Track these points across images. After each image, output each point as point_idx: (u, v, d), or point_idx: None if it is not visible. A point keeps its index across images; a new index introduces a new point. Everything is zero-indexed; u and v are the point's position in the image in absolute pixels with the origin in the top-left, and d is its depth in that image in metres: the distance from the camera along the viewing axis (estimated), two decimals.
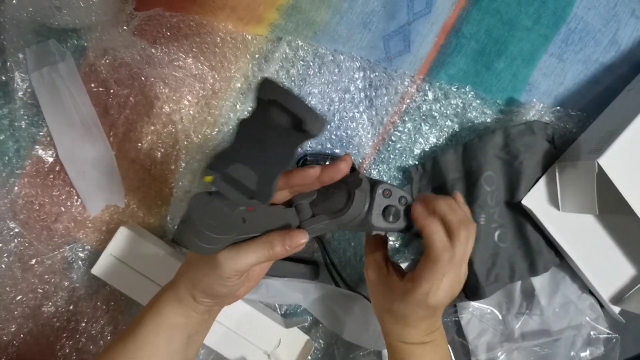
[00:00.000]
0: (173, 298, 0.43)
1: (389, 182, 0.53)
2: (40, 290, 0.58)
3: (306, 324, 0.62)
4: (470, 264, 0.55)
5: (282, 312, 0.62)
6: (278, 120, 0.33)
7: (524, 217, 0.55)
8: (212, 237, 0.37)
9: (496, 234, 0.55)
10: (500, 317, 0.58)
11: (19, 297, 0.57)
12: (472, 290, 0.56)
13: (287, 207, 0.43)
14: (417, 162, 0.60)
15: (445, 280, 0.42)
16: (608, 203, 0.48)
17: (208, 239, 0.38)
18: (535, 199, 0.53)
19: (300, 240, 0.41)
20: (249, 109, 0.59)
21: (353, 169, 0.58)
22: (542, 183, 0.54)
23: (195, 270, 0.42)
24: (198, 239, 0.38)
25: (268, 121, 0.33)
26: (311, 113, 0.32)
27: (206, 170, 0.35)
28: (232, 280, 0.40)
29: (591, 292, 0.58)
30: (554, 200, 0.54)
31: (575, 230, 0.54)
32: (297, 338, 0.61)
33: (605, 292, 0.55)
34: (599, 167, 0.47)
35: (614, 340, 0.57)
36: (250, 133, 0.34)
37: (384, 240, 0.50)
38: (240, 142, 0.34)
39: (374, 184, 0.44)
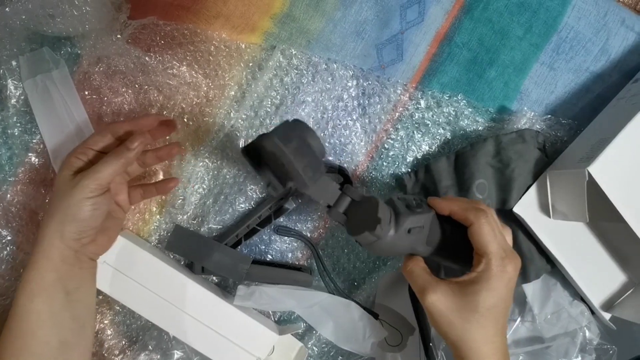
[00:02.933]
0: (40, 256, 0.45)
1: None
2: None
3: (300, 331, 0.62)
4: (462, 271, 0.55)
5: (276, 319, 0.62)
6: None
7: (515, 225, 0.55)
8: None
9: None
10: None
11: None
12: None
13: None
14: (409, 170, 0.60)
15: (503, 248, 0.43)
16: (598, 211, 0.48)
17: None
18: (527, 207, 0.54)
19: (135, 142, 0.47)
20: (243, 116, 0.59)
21: (347, 180, 0.58)
22: (533, 191, 0.54)
23: (59, 205, 0.45)
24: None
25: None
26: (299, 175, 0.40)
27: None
28: (97, 197, 0.45)
29: (582, 299, 0.58)
30: (545, 208, 0.54)
31: (566, 238, 0.54)
32: (290, 345, 0.61)
33: (596, 299, 0.56)
34: (590, 175, 0.47)
35: (611, 351, 0.57)
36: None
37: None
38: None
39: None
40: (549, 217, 0.53)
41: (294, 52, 0.58)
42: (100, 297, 0.59)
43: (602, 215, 0.49)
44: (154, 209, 0.59)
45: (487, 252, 0.42)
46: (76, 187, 0.45)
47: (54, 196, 0.46)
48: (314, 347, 0.62)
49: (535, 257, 0.55)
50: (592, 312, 0.57)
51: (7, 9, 0.52)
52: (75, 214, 0.45)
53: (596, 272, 0.55)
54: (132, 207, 0.58)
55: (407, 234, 0.44)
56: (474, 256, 0.44)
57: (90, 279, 0.50)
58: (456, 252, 0.46)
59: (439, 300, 0.42)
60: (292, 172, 0.42)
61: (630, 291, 0.56)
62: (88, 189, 0.45)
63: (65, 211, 0.45)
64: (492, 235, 0.42)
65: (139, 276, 0.55)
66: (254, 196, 0.60)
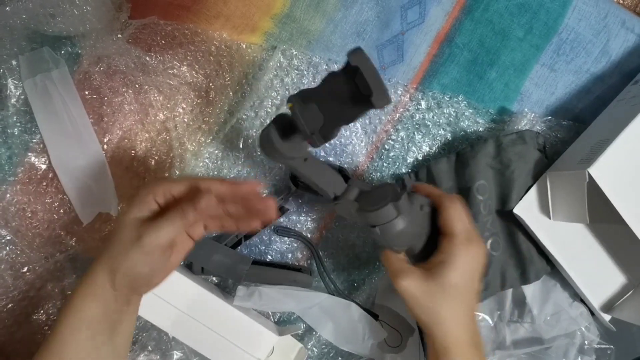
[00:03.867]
0: (89, 292, 0.43)
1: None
2: (32, 298, 0.58)
3: (300, 332, 0.62)
4: None
5: (276, 320, 0.62)
6: (356, 84, 0.37)
7: (515, 226, 0.55)
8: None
9: (488, 242, 0.55)
10: (492, 325, 0.58)
11: (10, 305, 0.57)
12: None
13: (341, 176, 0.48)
14: (410, 171, 0.61)
15: (469, 232, 0.45)
16: (599, 212, 0.49)
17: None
18: (527, 208, 0.54)
19: (206, 201, 0.42)
20: (243, 117, 0.59)
21: (347, 178, 0.58)
22: (533, 192, 0.54)
23: (115, 253, 0.42)
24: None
25: (348, 82, 0.38)
26: (381, 90, 0.36)
27: (290, 97, 0.41)
28: (155, 255, 0.42)
29: (582, 300, 0.58)
30: (545, 209, 0.54)
31: (566, 239, 0.54)
32: (290, 345, 0.61)
33: (596, 300, 0.56)
34: (590, 176, 0.47)
35: (609, 351, 0.58)
36: (332, 86, 0.39)
37: None
38: (322, 89, 0.40)
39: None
40: (549, 218, 0.54)
41: (294, 53, 0.59)
42: None
43: (602, 217, 0.49)
44: None
45: (454, 232, 0.45)
46: (135, 242, 0.41)
47: (114, 234, 0.43)
48: (314, 348, 0.62)
49: (535, 258, 0.56)
50: (592, 313, 0.58)
51: (7, 8, 0.52)
52: (129, 268, 0.42)
53: (596, 273, 0.56)
54: None
55: (420, 211, 0.47)
56: (441, 241, 0.46)
57: (134, 313, 0.47)
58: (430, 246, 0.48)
59: (410, 284, 0.44)
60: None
61: (630, 292, 0.56)
62: (147, 248, 0.41)
63: (120, 261, 0.42)
64: (460, 218, 0.45)
65: None
66: None
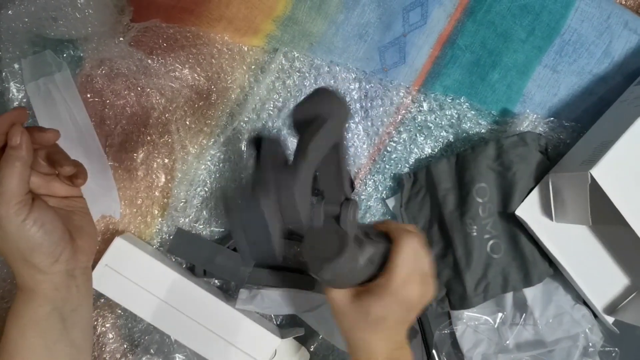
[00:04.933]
0: (26, 293, 0.42)
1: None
2: None
3: (302, 334, 0.63)
4: (460, 273, 0.56)
5: (278, 322, 0.63)
6: None
7: (518, 228, 0.56)
8: None
9: (489, 245, 0.56)
10: (494, 327, 0.59)
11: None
12: (459, 299, 0.57)
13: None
14: (409, 171, 0.62)
15: (415, 272, 0.43)
16: (601, 214, 0.49)
17: None
18: (529, 210, 0.55)
19: (15, 136, 0.39)
20: (245, 119, 0.60)
21: (350, 183, 0.59)
22: (535, 194, 0.55)
23: (3, 246, 0.40)
24: None
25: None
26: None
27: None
28: (27, 215, 0.39)
29: (585, 303, 0.59)
30: (547, 211, 0.55)
31: (569, 241, 0.55)
32: (292, 348, 0.62)
33: (599, 303, 0.57)
34: (592, 178, 0.48)
35: (613, 354, 0.58)
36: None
37: None
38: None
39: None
40: (552, 220, 0.54)
41: (296, 55, 0.60)
42: (102, 300, 0.60)
43: (605, 218, 0.50)
44: (156, 211, 0.60)
45: (396, 271, 0.42)
46: (0, 220, 0.39)
47: None
48: (317, 351, 0.63)
49: (538, 261, 0.56)
50: (595, 315, 0.58)
51: (9, 11, 0.53)
52: (27, 244, 0.40)
53: (599, 275, 0.56)
54: (135, 210, 0.59)
55: (368, 264, 0.43)
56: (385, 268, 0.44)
57: (87, 296, 0.46)
58: None
59: (338, 297, 0.44)
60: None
61: (633, 294, 0.56)
62: (12, 214, 0.39)
63: (17, 247, 0.40)
64: (408, 259, 0.43)
65: (140, 279, 0.56)
66: None
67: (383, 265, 0.44)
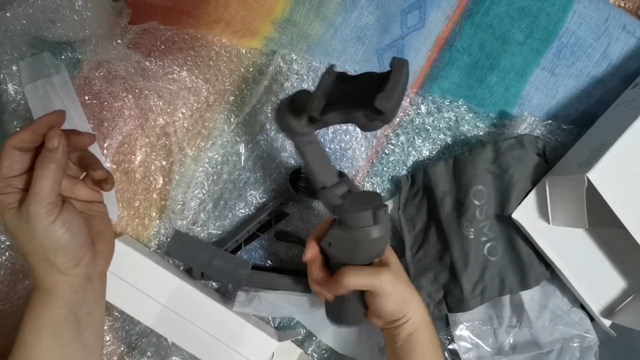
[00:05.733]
0: (45, 295, 0.44)
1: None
2: None
3: (300, 337, 0.64)
4: (457, 276, 0.57)
5: (276, 325, 0.64)
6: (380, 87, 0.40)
7: (515, 231, 0.57)
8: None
9: (485, 247, 0.57)
10: (491, 330, 0.60)
11: (10, 310, 0.59)
12: (456, 302, 0.58)
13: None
14: (407, 173, 0.63)
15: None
16: (598, 217, 0.50)
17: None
18: (525, 213, 0.56)
19: (53, 139, 0.42)
20: (243, 122, 0.61)
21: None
22: (532, 197, 0.56)
23: (29, 247, 0.42)
24: None
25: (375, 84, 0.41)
26: (391, 97, 0.39)
27: (331, 67, 0.44)
28: (57, 217, 0.42)
29: (582, 306, 0.60)
30: (544, 214, 0.56)
31: (566, 244, 0.56)
32: (290, 351, 0.63)
33: (596, 306, 0.58)
34: (589, 181, 0.49)
35: (610, 357, 0.59)
36: (363, 82, 0.43)
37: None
38: (353, 82, 0.44)
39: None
40: (548, 223, 0.56)
41: (294, 57, 0.61)
42: None
43: (601, 221, 0.51)
44: (154, 214, 0.61)
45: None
46: (30, 219, 0.41)
47: (18, 239, 0.43)
48: (314, 354, 0.64)
49: (535, 264, 0.58)
50: (592, 318, 0.60)
51: (7, 13, 0.54)
52: (54, 245, 0.42)
53: (596, 278, 0.57)
54: (133, 212, 0.61)
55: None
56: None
57: (101, 299, 0.49)
58: None
59: (385, 278, 0.49)
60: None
61: (630, 298, 0.58)
62: (42, 215, 0.41)
63: (42, 247, 0.42)
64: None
65: (138, 282, 0.57)
66: (254, 201, 0.62)
67: None
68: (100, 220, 0.49)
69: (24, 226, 0.42)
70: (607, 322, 0.58)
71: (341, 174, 0.61)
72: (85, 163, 0.47)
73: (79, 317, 0.45)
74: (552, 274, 0.59)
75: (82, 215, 0.46)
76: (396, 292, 0.49)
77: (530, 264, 0.57)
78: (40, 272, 0.44)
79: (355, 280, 0.48)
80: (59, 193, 0.43)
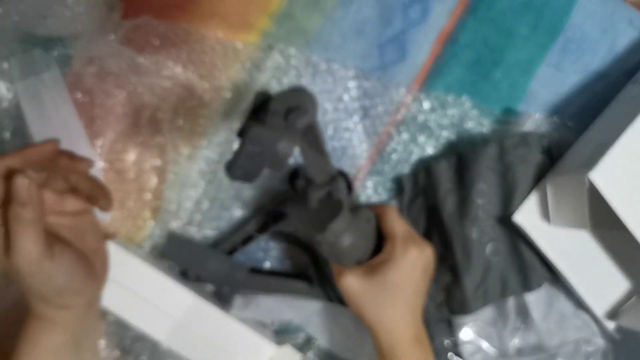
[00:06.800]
0: (47, 325, 0.42)
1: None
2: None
3: (299, 341, 0.64)
4: (459, 277, 0.58)
5: (274, 329, 0.65)
6: None
7: (517, 231, 0.58)
8: None
9: (488, 247, 0.58)
10: (495, 333, 0.61)
11: (4, 313, 0.59)
12: (458, 304, 0.59)
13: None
14: (409, 172, 0.64)
15: (407, 232, 0.50)
16: (600, 217, 0.50)
17: None
18: (526, 215, 0.56)
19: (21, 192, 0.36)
20: (240, 119, 0.62)
21: (348, 184, 0.61)
22: (533, 197, 0.57)
23: (26, 291, 0.41)
24: None
25: None
26: None
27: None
28: (47, 264, 0.38)
29: (586, 308, 0.60)
30: (545, 216, 0.56)
31: (568, 245, 0.57)
32: (289, 355, 0.63)
33: (599, 308, 0.58)
34: (590, 181, 0.49)
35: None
36: None
37: None
38: None
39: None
40: (550, 224, 0.56)
41: (292, 52, 0.61)
42: None
43: (604, 222, 0.51)
44: (148, 214, 0.62)
45: (394, 233, 0.49)
46: (20, 274, 0.38)
47: (14, 281, 0.42)
48: (314, 358, 0.65)
49: (537, 265, 0.58)
50: (596, 321, 0.60)
51: None
52: (53, 289, 0.40)
53: (599, 280, 0.58)
54: (126, 213, 0.61)
55: (366, 224, 0.49)
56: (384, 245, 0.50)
57: (99, 317, 0.48)
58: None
59: (352, 282, 0.48)
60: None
61: (633, 299, 0.58)
62: (33, 269, 0.38)
63: (40, 292, 0.40)
64: (398, 221, 0.50)
65: (132, 285, 0.57)
66: (251, 201, 0.63)
67: (379, 243, 0.50)
68: (92, 235, 0.46)
69: (16, 276, 0.39)
70: (610, 325, 0.58)
71: (342, 174, 0.61)
72: (81, 187, 0.44)
73: (80, 341, 0.45)
74: (556, 276, 0.59)
75: (72, 233, 0.44)
76: (357, 302, 0.48)
77: (532, 266, 0.58)
78: (39, 306, 0.42)
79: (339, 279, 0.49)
80: (45, 241, 0.38)
